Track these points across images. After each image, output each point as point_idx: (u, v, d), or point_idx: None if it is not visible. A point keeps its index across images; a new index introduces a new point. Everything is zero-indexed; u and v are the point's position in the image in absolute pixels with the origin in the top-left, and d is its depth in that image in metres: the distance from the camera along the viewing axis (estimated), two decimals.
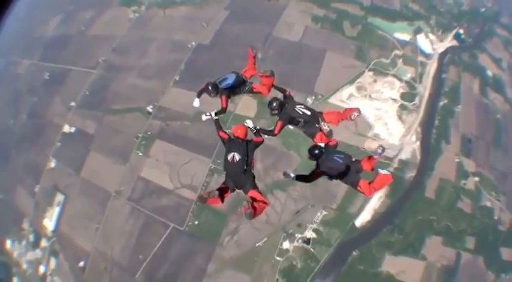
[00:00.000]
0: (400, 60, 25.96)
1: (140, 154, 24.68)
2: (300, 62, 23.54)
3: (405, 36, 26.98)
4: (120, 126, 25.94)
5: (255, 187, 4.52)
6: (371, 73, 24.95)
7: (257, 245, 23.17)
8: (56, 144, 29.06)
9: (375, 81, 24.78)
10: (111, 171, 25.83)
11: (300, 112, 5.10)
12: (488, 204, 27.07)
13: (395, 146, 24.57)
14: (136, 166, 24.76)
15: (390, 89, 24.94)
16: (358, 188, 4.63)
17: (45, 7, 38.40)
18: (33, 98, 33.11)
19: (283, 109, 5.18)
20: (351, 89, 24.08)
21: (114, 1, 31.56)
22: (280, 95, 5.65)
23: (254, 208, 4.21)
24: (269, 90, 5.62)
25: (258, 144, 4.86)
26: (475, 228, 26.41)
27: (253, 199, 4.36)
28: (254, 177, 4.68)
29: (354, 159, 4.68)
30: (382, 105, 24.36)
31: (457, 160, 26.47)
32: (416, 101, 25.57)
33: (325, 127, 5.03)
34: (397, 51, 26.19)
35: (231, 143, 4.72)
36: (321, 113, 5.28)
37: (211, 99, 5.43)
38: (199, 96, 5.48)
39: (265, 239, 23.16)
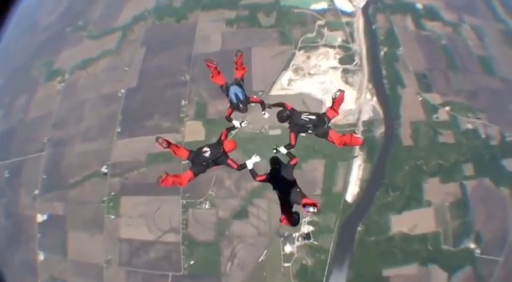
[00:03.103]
0: (325, 28, 25.65)
1: (112, 217, 23.82)
2: (229, 69, 22.98)
3: (322, 5, 26.78)
4: (84, 197, 25.17)
5: (194, 174, 5.30)
6: (302, 52, 24.55)
7: (260, 260, 22.15)
8: (37, 236, 28.39)
9: (309, 57, 24.38)
10: (93, 244, 24.93)
11: (307, 119, 5.51)
12: (470, 126, 26.48)
13: (353, 111, 24.00)
14: (114, 230, 23.85)
15: (326, 59, 24.54)
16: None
17: None
18: (4, 199, 32.60)
19: (291, 121, 5.57)
20: (288, 74, 23.62)
21: (39, 79, 31.24)
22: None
23: (166, 178, 4.94)
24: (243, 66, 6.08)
25: (228, 165, 5.43)
26: (467, 154, 25.68)
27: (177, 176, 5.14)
28: (203, 172, 5.39)
29: (298, 190, 5.14)
30: (324, 78, 23.88)
31: (419, 99, 25.94)
32: (357, 60, 25.15)
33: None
34: (319, 22, 25.90)
35: (213, 144, 5.46)
36: (324, 113, 5.65)
37: None
38: (230, 120, 5.91)
39: (265, 251, 22.17)
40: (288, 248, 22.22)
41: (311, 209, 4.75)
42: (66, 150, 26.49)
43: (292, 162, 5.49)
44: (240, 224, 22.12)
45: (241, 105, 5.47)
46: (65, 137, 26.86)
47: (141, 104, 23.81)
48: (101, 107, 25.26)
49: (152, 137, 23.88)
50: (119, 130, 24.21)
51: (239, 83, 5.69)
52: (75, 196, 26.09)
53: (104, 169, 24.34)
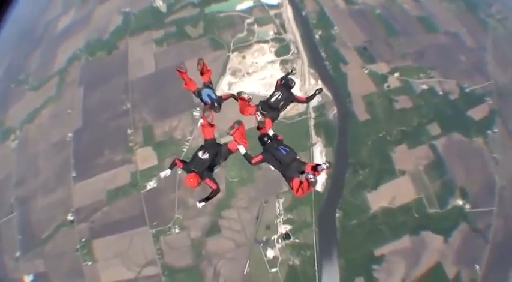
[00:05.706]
0: (255, 25, 25.66)
1: (89, 263, 23.17)
2: (168, 86, 22.91)
3: (247, 3, 26.85)
4: (58, 249, 24.52)
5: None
6: (236, 53, 24.48)
7: (245, 272, 21.46)
8: None
9: (244, 57, 24.28)
10: None
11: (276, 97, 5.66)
12: (425, 86, 26.41)
13: None
14: (94, 276, 23.13)
15: (262, 55, 24.44)
16: (291, 183, 4.81)
17: None
18: None
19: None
20: (227, 78, 23.46)
21: None
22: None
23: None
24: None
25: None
26: (429, 115, 25.49)
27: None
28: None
29: (298, 158, 4.85)
30: (264, 74, 23.72)
31: (366, 71, 25.81)
32: (293, 49, 25.06)
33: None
34: (248, 20, 25.94)
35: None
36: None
37: None
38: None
39: (248, 261, 21.51)
40: (270, 253, 21.60)
41: (324, 166, 4.40)
42: (31, 206, 25.95)
43: (280, 138, 5.30)
44: (215, 241, 21.50)
45: (216, 104, 5.64)
46: (28, 194, 26.33)
47: (89, 143, 23.49)
48: (53, 156, 24.86)
49: (108, 173, 23.54)
50: (74, 174, 23.78)
51: (208, 86, 5.85)
52: (50, 250, 25.43)
53: (69, 217, 23.84)
